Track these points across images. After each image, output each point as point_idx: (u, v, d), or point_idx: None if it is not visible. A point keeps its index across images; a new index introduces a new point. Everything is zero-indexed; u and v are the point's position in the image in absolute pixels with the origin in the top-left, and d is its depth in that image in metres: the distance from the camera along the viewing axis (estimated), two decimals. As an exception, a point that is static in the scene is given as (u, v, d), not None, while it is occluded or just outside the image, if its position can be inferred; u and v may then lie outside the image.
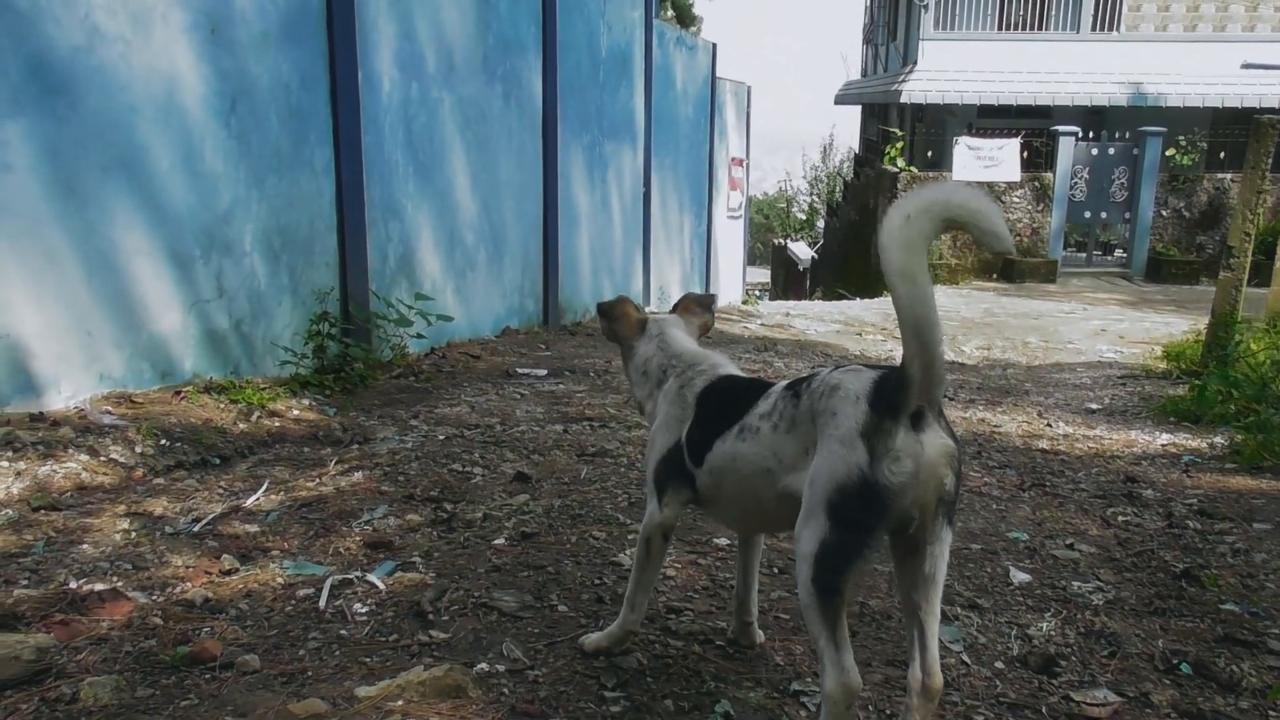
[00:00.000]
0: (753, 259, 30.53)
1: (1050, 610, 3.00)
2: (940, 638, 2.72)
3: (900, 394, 1.79)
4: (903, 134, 19.84)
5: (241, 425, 4.66)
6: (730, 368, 2.45)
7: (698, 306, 2.69)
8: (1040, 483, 4.53)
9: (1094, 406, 6.70)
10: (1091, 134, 18.67)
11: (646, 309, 10.29)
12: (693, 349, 2.51)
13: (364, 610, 2.70)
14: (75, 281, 4.39)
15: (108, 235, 4.53)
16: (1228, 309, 7.09)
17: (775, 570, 3.17)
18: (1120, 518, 4.00)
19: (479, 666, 2.38)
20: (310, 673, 2.35)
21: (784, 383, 2.12)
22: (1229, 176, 18.32)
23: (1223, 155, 19.14)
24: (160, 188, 4.78)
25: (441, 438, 4.70)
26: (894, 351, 9.75)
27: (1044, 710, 2.39)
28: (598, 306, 2.70)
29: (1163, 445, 5.40)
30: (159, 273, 4.81)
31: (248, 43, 5.22)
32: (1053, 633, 2.83)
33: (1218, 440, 5.40)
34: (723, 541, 3.39)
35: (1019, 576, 3.28)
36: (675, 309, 2.71)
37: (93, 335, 4.49)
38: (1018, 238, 18.50)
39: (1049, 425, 5.94)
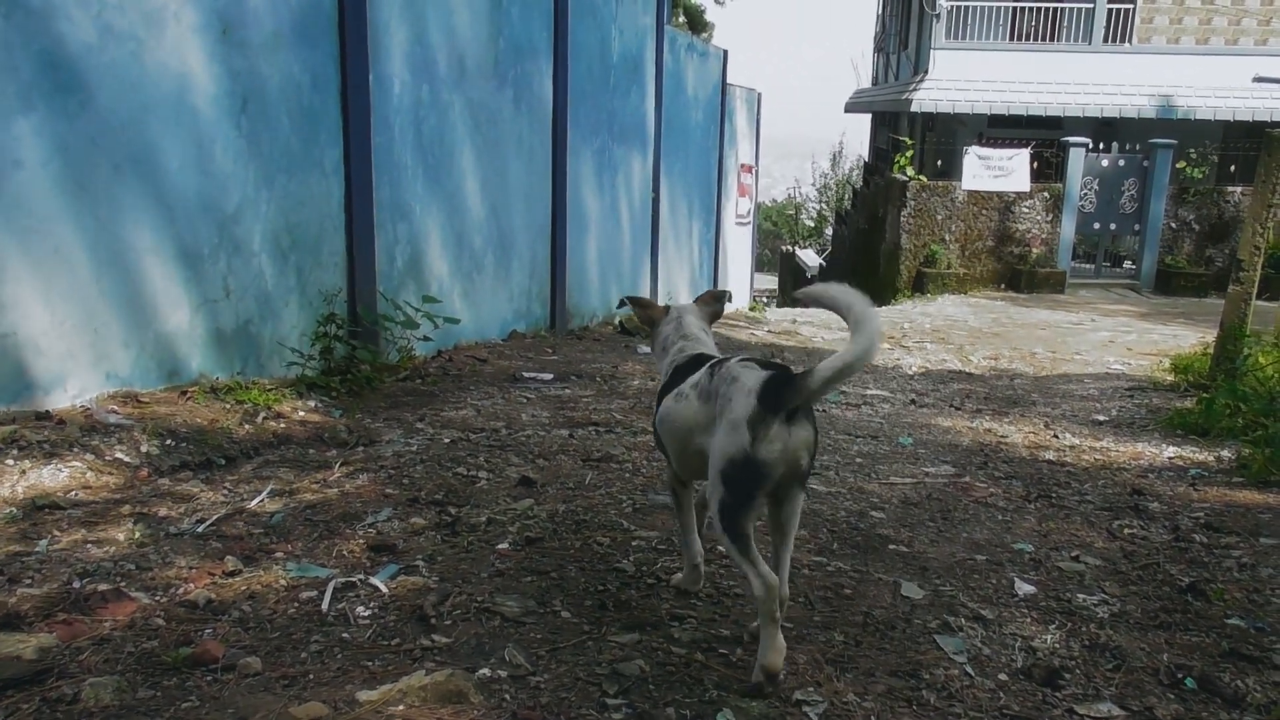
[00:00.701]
0: (760, 265, 30.50)
1: (1055, 622, 2.99)
2: (944, 649, 2.72)
3: (785, 395, 2.31)
4: (913, 142, 19.81)
5: (247, 426, 4.66)
6: (706, 349, 2.91)
7: (712, 299, 3.24)
8: (1046, 494, 4.51)
9: (1101, 418, 6.67)
10: (1102, 145, 18.63)
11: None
12: (696, 333, 3.01)
13: (366, 613, 2.70)
14: (84, 279, 4.39)
15: (117, 233, 4.54)
16: (1236, 322, 7.06)
17: (779, 579, 3.15)
18: (1126, 530, 3.98)
19: (481, 672, 2.38)
20: (312, 676, 2.34)
21: (711, 362, 2.63)
22: (1239, 190, 18.25)
23: (1233, 169, 19.09)
24: (170, 186, 4.79)
25: (447, 441, 4.70)
26: (900, 360, 9.74)
27: (1048, 724, 2.38)
28: (631, 299, 3.24)
29: (1169, 458, 5.38)
30: (167, 271, 4.81)
31: (259, 43, 5.23)
32: (1057, 645, 2.82)
33: (1225, 454, 5.37)
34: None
35: (1024, 588, 3.27)
36: (696, 301, 3.23)
37: (100, 333, 4.50)
38: (1027, 248, 18.46)
39: (1055, 436, 5.92)
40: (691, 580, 2.96)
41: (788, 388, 2.31)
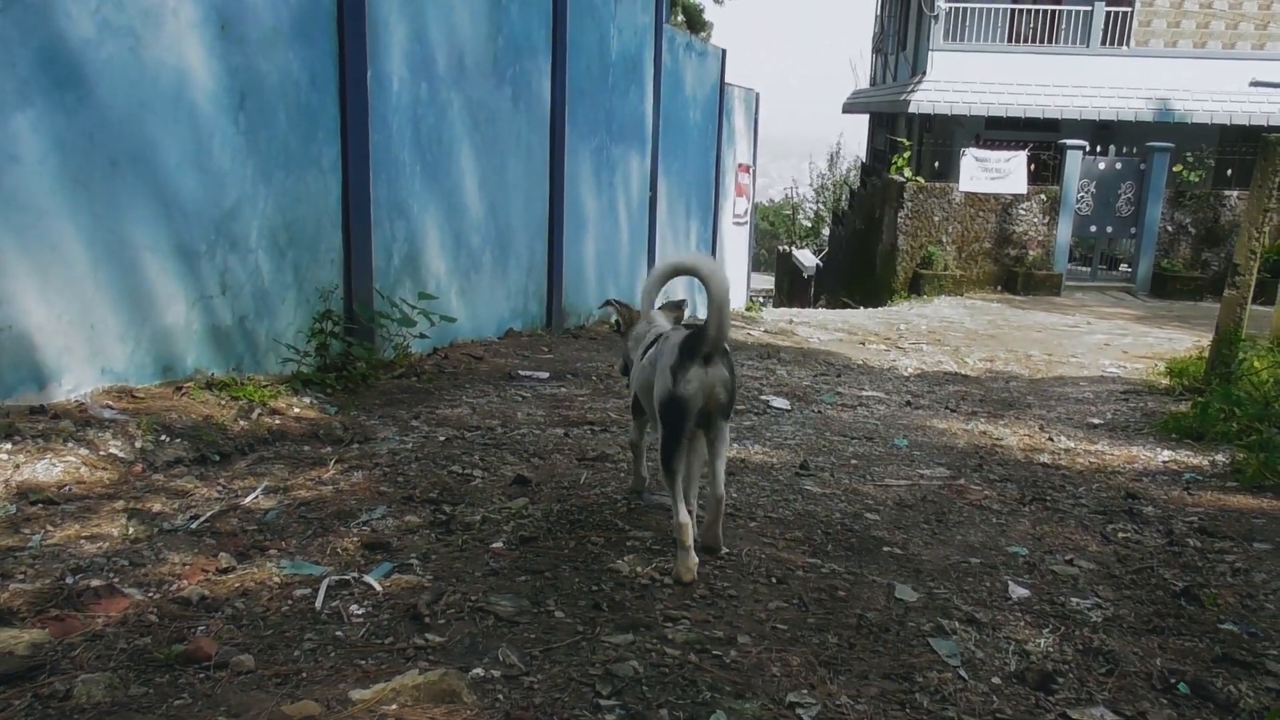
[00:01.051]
0: (757, 265, 30.53)
1: (1048, 626, 2.99)
2: (938, 651, 2.72)
3: (697, 346, 2.95)
4: (910, 143, 19.83)
5: (242, 422, 4.65)
6: (668, 329, 3.37)
7: (674, 308, 3.84)
8: (1041, 497, 4.52)
9: (1096, 421, 6.68)
10: (1099, 148, 18.66)
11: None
12: (664, 324, 3.53)
13: (360, 612, 2.70)
14: (81, 274, 4.38)
15: (114, 229, 4.53)
16: (1232, 326, 7.07)
17: (774, 580, 3.16)
18: (1120, 534, 3.99)
19: (474, 671, 2.37)
20: (305, 674, 2.34)
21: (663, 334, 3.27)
22: (1235, 194, 18.31)
23: (1230, 172, 19.15)
24: (167, 182, 4.78)
25: (442, 439, 4.69)
26: (896, 361, 9.75)
27: (1040, 728, 2.38)
28: (614, 302, 3.85)
29: (1164, 462, 5.39)
30: (164, 267, 4.81)
31: (258, 40, 5.22)
32: (1050, 649, 2.82)
33: (1219, 458, 5.38)
34: (723, 549, 3.38)
35: (1018, 591, 3.27)
36: (661, 309, 3.79)
37: (96, 329, 4.49)
38: (1024, 250, 18.49)
39: (1051, 439, 5.93)
40: (637, 483, 3.87)
41: (699, 339, 2.96)
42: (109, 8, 4.41)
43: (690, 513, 3.15)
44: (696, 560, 3.05)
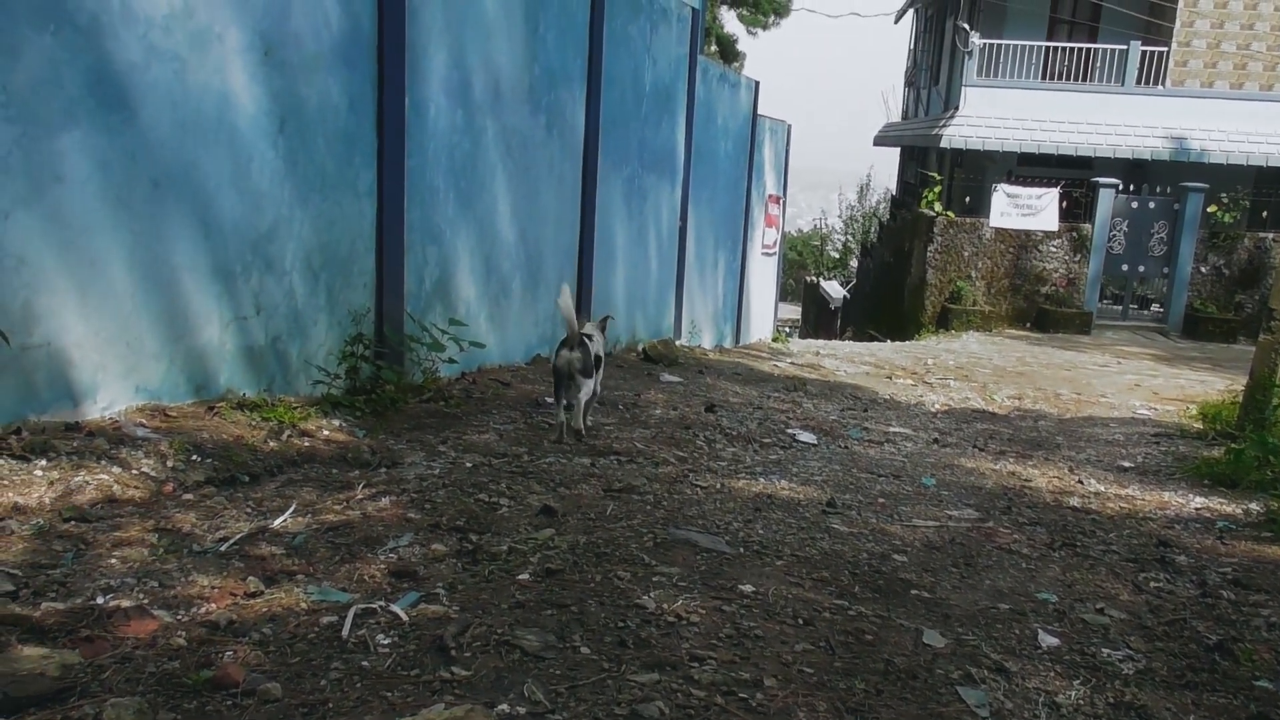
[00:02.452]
0: (784, 295, 30.48)
1: (1079, 677, 2.95)
2: (966, 701, 2.69)
3: (565, 340, 5.21)
4: (941, 178, 19.80)
5: (272, 443, 4.68)
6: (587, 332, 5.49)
7: (604, 322, 6.07)
8: (1071, 542, 4.46)
9: (1126, 464, 6.61)
10: (1132, 187, 18.56)
11: (677, 342, 10.24)
12: (590, 330, 5.56)
13: (386, 642, 2.69)
14: (119, 292, 4.44)
15: (153, 248, 4.59)
16: (1266, 372, 6.99)
17: (800, 621, 3.13)
18: (1152, 583, 3.94)
19: (500, 708, 2.36)
20: (331, 704, 2.34)
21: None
22: (1270, 236, 18.13)
23: (1265, 214, 18.97)
24: (207, 203, 4.84)
25: (469, 465, 4.70)
26: (924, 396, 9.69)
27: (1071, 784, 2.34)
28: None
29: (1196, 509, 5.32)
30: (200, 287, 4.86)
31: (299, 65, 5.30)
32: (1081, 702, 2.78)
33: (1254, 507, 5.30)
34: (748, 588, 3.37)
35: (1047, 640, 3.23)
36: (596, 320, 6.13)
37: (131, 346, 4.54)
38: (1054, 287, 18.37)
39: (1080, 482, 5.86)
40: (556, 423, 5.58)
41: (567, 337, 5.20)
42: (157, 32, 4.49)
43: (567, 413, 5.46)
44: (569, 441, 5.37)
